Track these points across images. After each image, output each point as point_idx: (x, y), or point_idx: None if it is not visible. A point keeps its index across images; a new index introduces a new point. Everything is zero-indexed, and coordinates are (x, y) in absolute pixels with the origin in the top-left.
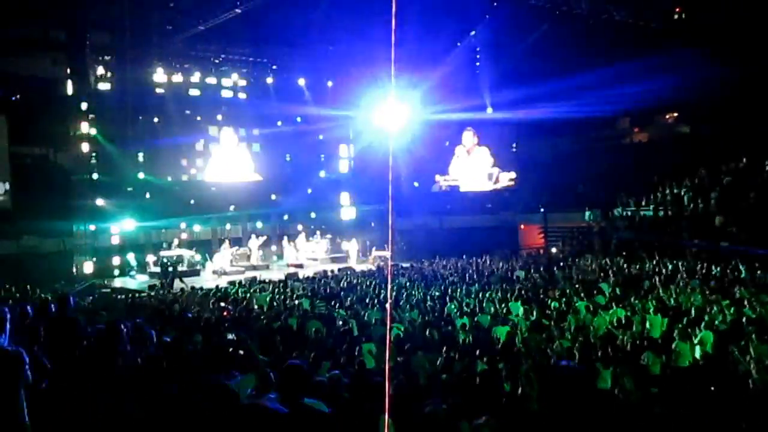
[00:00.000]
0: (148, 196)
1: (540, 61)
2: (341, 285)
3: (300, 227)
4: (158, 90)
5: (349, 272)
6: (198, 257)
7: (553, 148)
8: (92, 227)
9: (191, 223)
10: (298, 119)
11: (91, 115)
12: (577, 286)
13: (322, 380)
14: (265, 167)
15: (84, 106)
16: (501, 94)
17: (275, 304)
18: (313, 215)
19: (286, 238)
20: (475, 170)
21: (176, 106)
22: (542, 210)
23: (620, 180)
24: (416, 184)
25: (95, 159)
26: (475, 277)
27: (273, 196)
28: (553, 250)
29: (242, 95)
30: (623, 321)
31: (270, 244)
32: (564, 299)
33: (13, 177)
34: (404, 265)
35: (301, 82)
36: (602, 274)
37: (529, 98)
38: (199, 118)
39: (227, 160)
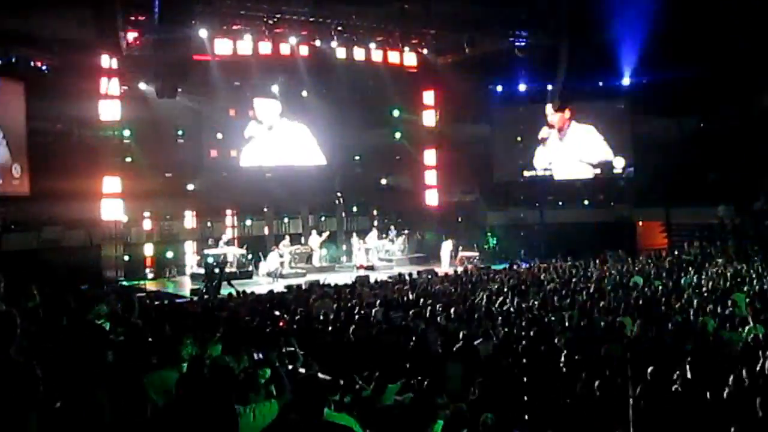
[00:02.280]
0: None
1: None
2: (420, 291)
3: (372, 222)
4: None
5: (430, 276)
6: (249, 256)
7: (678, 125)
8: (124, 218)
9: (243, 216)
10: (368, 91)
11: (124, 87)
12: (706, 296)
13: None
14: (330, 149)
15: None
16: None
17: (341, 313)
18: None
19: (354, 234)
20: (574, 154)
21: (223, 76)
22: (664, 203)
23: (762, 167)
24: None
25: (129, 138)
26: (582, 284)
27: (339, 193)
28: (678, 252)
29: (301, 62)
30: (762, 340)
31: (336, 241)
32: (690, 312)
33: (31, 158)
34: (496, 267)
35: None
36: (737, 283)
37: (647, 61)
38: (248, 93)
39: (283, 141)
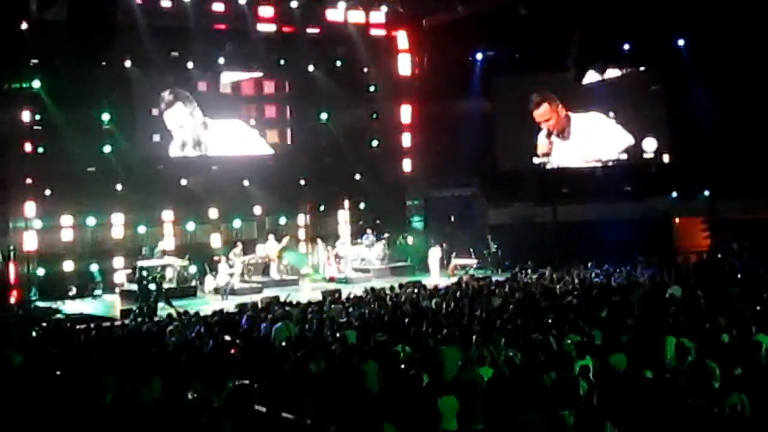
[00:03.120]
0: (118, 183)
1: None
2: (405, 308)
3: (343, 222)
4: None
5: (416, 290)
6: (193, 269)
7: (727, 99)
8: (36, 224)
9: (184, 220)
10: (337, 62)
11: (32, 60)
12: (758, 309)
13: None
14: (293, 133)
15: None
16: None
17: (306, 337)
18: (362, 206)
19: (320, 240)
20: (588, 150)
21: (158, 44)
22: (707, 195)
23: None
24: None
25: (39, 125)
26: (604, 295)
27: (302, 181)
28: (724, 255)
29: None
30: None
31: (298, 248)
32: (740, 329)
33: None
34: (498, 278)
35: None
36: None
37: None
38: (191, 64)
39: (236, 126)
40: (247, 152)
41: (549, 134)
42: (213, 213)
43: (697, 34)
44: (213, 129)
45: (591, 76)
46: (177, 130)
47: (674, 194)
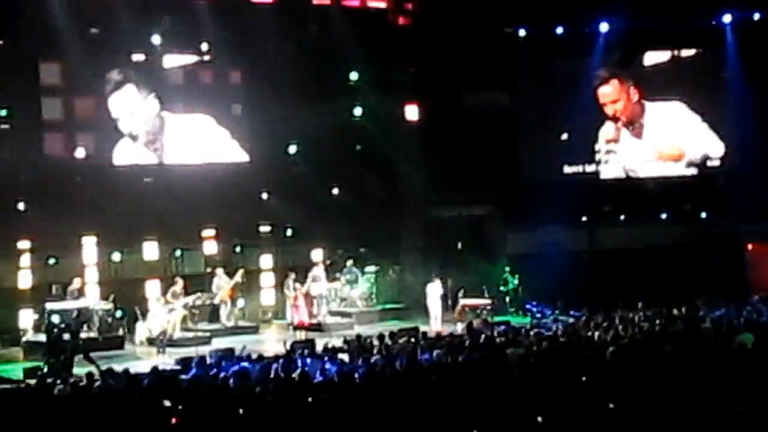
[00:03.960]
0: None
1: None
2: (399, 365)
3: (318, 253)
4: None
5: (413, 339)
6: (120, 313)
7: None
8: None
9: (109, 249)
10: (309, 43)
11: None
12: None
13: None
14: (257, 139)
15: None
16: None
17: (268, 400)
18: (342, 230)
19: (290, 275)
20: (652, 146)
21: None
22: None
23: None
24: None
25: None
26: (657, 347)
27: (264, 194)
28: None
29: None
30: None
31: (259, 285)
32: None
33: None
34: (519, 321)
35: None
36: None
37: None
38: (115, 47)
39: (181, 127)
40: (215, 159)
41: (616, 121)
42: (148, 240)
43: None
44: (171, 125)
45: (653, 57)
46: (126, 118)
47: (747, 213)
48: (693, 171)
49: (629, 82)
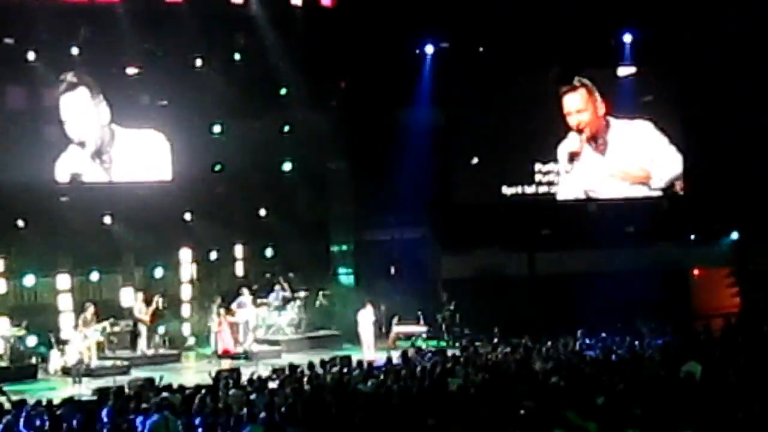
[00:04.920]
0: None
1: None
2: (329, 397)
3: (242, 275)
4: None
5: (345, 369)
6: (33, 340)
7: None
8: None
9: (18, 271)
10: (236, 55)
11: None
12: None
13: None
14: (179, 156)
15: None
16: None
17: None
18: (269, 252)
19: (216, 300)
20: (616, 165)
21: None
22: (735, 238)
23: None
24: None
25: None
26: (601, 376)
27: (188, 215)
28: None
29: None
30: None
31: (179, 311)
32: None
33: None
34: (454, 352)
35: None
36: None
37: None
38: (32, 55)
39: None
40: (123, 176)
41: (580, 133)
42: (62, 262)
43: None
44: (120, 140)
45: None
46: (75, 119)
47: (692, 237)
48: (658, 193)
49: (596, 94)
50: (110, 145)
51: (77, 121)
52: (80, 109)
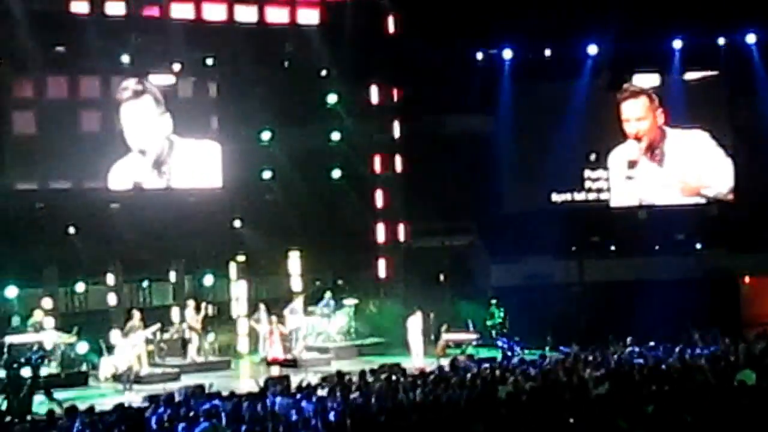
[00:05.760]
0: None
1: None
2: (379, 404)
3: (296, 285)
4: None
5: (394, 376)
6: (84, 347)
7: None
8: None
9: (70, 280)
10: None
11: None
12: None
13: None
14: (229, 163)
15: None
16: None
17: None
18: (318, 259)
19: (263, 306)
20: (674, 175)
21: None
22: None
23: None
24: None
25: None
26: (650, 384)
27: (237, 222)
28: None
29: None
30: None
31: (228, 318)
32: None
33: None
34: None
35: None
36: None
37: None
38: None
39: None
40: (176, 184)
41: (638, 141)
42: (113, 270)
43: None
44: (179, 151)
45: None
46: (137, 128)
47: (742, 245)
48: (709, 201)
49: (657, 103)
50: (169, 155)
51: (139, 130)
52: (144, 117)
